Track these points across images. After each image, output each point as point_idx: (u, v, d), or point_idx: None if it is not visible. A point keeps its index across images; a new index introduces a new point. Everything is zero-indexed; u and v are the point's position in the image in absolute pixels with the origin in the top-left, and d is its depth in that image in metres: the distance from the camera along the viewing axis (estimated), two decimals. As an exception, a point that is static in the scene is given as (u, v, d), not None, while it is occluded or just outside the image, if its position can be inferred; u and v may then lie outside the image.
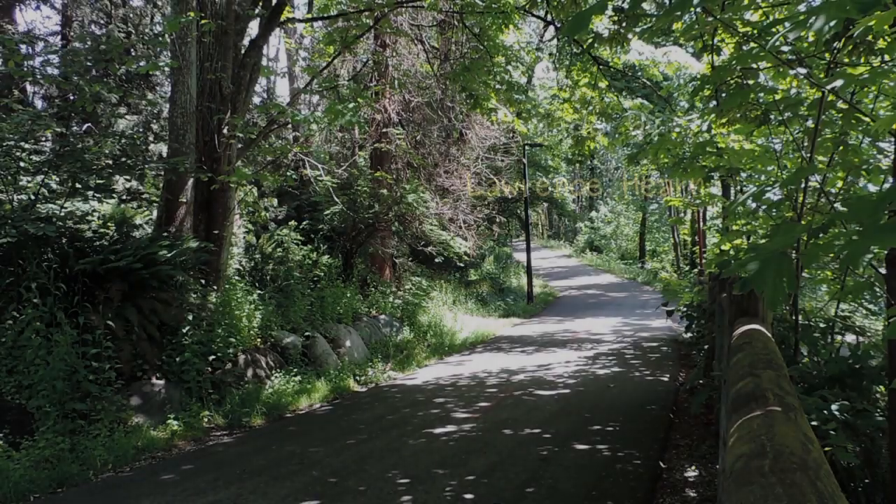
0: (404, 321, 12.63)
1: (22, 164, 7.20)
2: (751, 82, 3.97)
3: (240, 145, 8.80)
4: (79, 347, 6.25)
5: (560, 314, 18.44)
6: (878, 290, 3.80)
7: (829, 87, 2.67)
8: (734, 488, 1.07)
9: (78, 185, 7.54)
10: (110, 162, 7.93)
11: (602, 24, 8.30)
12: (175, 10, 8.12)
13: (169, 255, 7.36)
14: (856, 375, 3.48)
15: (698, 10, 3.62)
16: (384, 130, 13.89)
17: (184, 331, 7.31)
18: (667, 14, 2.52)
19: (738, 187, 7.57)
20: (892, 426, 2.75)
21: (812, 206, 4.17)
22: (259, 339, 8.58)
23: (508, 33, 10.73)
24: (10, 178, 7.12)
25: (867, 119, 3.48)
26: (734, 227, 6.35)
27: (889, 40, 2.98)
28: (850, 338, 5.16)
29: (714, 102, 4.99)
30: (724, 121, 4.59)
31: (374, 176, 12.35)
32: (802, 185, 3.87)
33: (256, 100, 16.52)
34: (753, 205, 4.66)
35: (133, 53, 11.50)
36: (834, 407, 3.09)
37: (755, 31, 4.20)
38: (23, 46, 8.40)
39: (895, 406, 2.74)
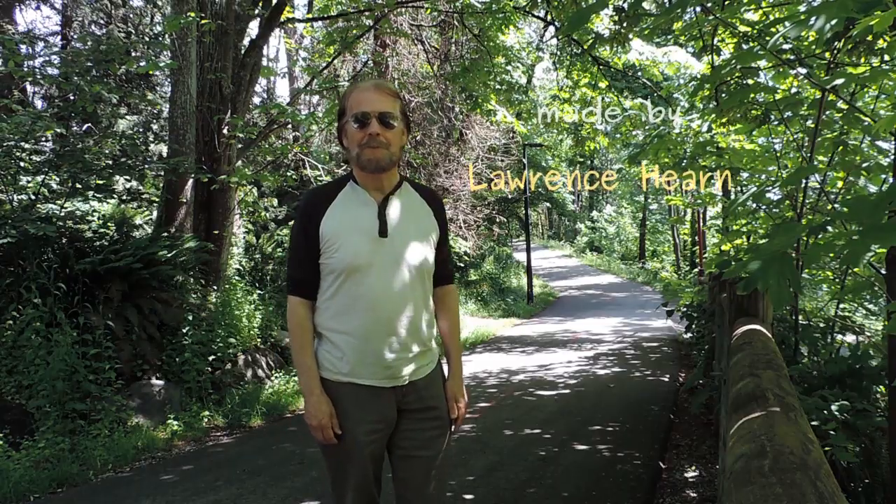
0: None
1: (22, 164, 7.20)
2: (751, 82, 3.97)
3: (240, 145, 8.80)
4: (79, 347, 6.24)
5: (560, 314, 18.44)
6: (878, 290, 3.80)
7: (829, 86, 2.67)
8: (734, 488, 1.07)
9: (78, 185, 7.54)
10: (110, 162, 7.93)
11: (602, 24, 8.32)
12: (175, 10, 8.11)
13: (169, 255, 7.36)
14: (856, 375, 3.48)
15: (698, 9, 3.62)
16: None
17: (184, 331, 7.30)
18: (666, 13, 2.52)
19: (738, 187, 7.57)
20: (892, 426, 2.75)
21: (812, 206, 4.17)
22: (259, 340, 8.58)
23: (508, 34, 10.73)
24: (10, 178, 7.13)
25: (867, 119, 3.48)
26: (734, 227, 6.35)
27: (889, 40, 2.98)
28: (850, 338, 5.15)
29: (714, 102, 4.99)
30: (724, 120, 4.60)
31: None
32: (802, 185, 3.87)
33: (256, 100, 16.53)
34: (754, 205, 4.67)
35: (133, 53, 11.49)
36: (834, 407, 3.09)
37: (755, 31, 4.21)
38: (23, 46, 8.40)
39: (895, 406, 2.74)
